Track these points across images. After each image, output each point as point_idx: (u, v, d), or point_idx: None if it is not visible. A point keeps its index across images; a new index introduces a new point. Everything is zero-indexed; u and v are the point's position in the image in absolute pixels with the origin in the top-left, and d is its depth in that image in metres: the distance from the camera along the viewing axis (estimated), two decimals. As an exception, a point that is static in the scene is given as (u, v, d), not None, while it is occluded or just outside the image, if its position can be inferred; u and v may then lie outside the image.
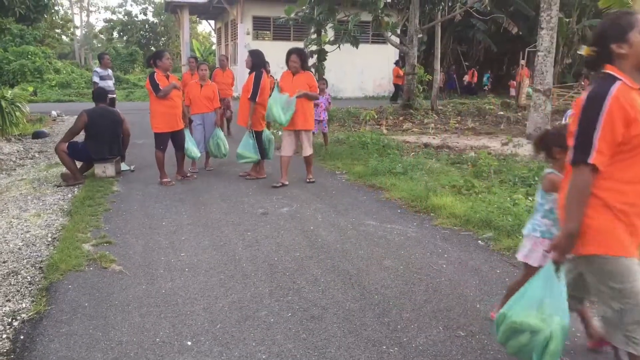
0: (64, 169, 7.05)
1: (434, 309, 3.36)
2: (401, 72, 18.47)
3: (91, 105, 7.45)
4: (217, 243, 4.57)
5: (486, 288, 3.67)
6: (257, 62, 6.84)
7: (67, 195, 6.21)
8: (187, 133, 7.17)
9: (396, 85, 19.76)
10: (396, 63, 20.00)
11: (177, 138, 6.90)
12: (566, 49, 23.83)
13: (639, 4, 8.70)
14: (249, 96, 6.72)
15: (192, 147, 7.20)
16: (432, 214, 5.43)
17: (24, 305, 3.39)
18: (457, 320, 3.21)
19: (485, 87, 26.45)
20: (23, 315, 3.25)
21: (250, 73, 6.90)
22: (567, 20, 22.69)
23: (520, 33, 22.75)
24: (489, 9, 19.65)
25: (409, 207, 5.73)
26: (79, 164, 7.06)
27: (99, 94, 7.35)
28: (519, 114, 15.66)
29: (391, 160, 7.71)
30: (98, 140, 6.95)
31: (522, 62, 20.37)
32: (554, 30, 9.99)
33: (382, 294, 3.56)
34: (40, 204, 5.84)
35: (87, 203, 5.74)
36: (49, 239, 4.67)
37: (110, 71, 10.17)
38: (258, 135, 6.99)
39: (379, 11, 13.63)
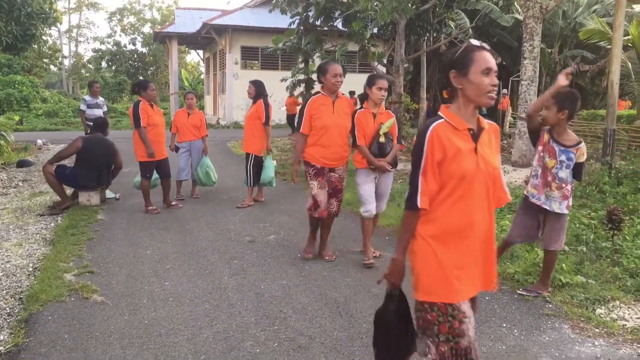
0: (51, 198, 6.99)
1: (422, 337, 3.30)
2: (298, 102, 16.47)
3: (77, 134, 7.40)
4: (202, 271, 4.49)
5: (475, 315, 3.62)
6: (259, 91, 7.13)
7: (50, 224, 6.11)
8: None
9: (291, 116, 17.68)
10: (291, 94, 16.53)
11: (162, 166, 6.86)
12: (549, 79, 24.30)
13: (618, 34, 8.93)
14: (261, 122, 6.98)
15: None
16: (420, 241, 5.40)
17: (1, 337, 3.28)
18: (447, 349, 3.15)
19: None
20: (0, 347, 3.14)
21: (254, 102, 7.14)
22: (549, 50, 23.24)
23: (504, 63, 23.20)
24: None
25: (397, 234, 5.71)
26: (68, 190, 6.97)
27: (100, 124, 7.34)
28: (504, 141, 15.84)
29: (379, 188, 7.71)
30: (88, 168, 6.85)
31: (504, 91, 20.73)
32: (537, 60, 10.21)
33: (370, 323, 3.47)
34: (23, 233, 5.73)
35: (70, 232, 5.64)
36: (30, 269, 4.56)
37: (101, 99, 10.08)
38: (259, 160, 7.10)
39: (366, 41, 13.84)
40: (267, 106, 7.02)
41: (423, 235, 2.08)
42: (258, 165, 7.08)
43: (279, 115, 21.47)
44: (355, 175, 4.78)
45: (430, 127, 2.03)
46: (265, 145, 7.07)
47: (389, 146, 4.61)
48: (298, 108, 16.89)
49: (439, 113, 2.10)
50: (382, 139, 4.55)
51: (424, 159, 2.02)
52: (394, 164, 4.69)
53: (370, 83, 4.62)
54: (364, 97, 4.73)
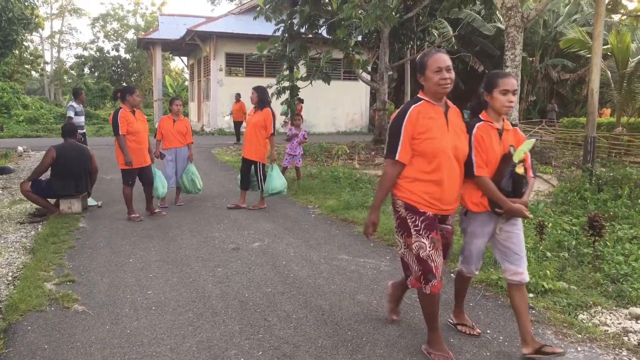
0: (32, 205, 6.88)
1: (407, 344, 3.30)
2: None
3: (59, 140, 7.30)
4: (186, 280, 4.45)
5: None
6: (263, 98, 7.09)
7: (30, 233, 6.01)
8: (156, 172, 7.10)
9: (238, 123, 17.97)
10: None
11: (145, 174, 6.80)
12: (530, 87, 24.67)
13: (597, 43, 9.09)
14: (267, 133, 6.99)
15: (159, 186, 7.14)
16: (404, 248, 5.41)
17: (-22, 348, 3.21)
18: (431, 356, 3.15)
19: None
20: (-23, 359, 3.07)
21: (257, 109, 7.13)
22: (531, 59, 23.57)
23: (487, 71, 23.50)
24: (455, 48, 20.33)
25: (382, 240, 5.72)
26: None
27: (69, 130, 7.23)
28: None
29: (363, 194, 7.73)
30: (65, 177, 6.78)
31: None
32: (518, 69, 10.34)
33: (355, 330, 3.49)
34: (2, 241, 5.62)
35: (50, 240, 5.55)
36: (10, 278, 4.48)
37: (82, 107, 9.98)
38: (263, 167, 7.20)
39: (350, 49, 13.93)
40: (274, 116, 7.06)
41: None
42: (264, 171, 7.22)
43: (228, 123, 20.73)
44: (466, 221, 3.25)
45: None
46: (270, 154, 7.14)
47: (526, 180, 3.10)
48: (246, 115, 17.17)
49: None
50: (519, 170, 3.02)
51: None
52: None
53: (489, 85, 3.10)
54: (479, 107, 3.20)
